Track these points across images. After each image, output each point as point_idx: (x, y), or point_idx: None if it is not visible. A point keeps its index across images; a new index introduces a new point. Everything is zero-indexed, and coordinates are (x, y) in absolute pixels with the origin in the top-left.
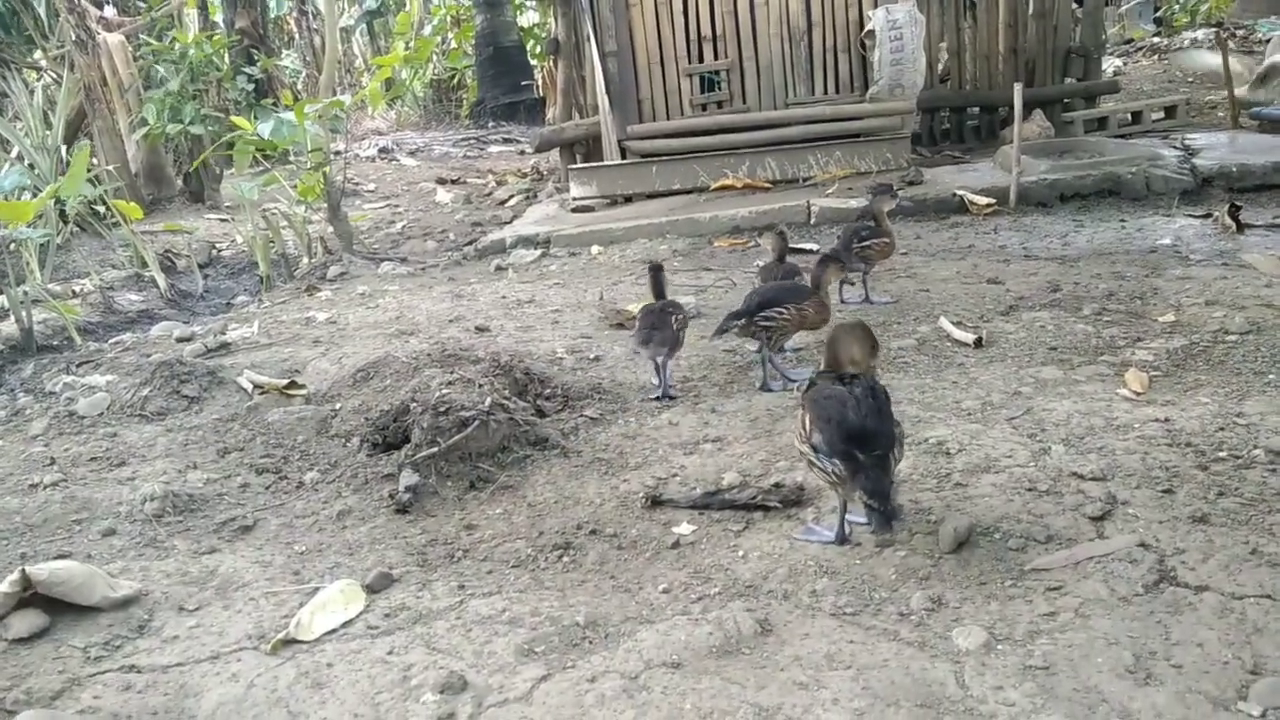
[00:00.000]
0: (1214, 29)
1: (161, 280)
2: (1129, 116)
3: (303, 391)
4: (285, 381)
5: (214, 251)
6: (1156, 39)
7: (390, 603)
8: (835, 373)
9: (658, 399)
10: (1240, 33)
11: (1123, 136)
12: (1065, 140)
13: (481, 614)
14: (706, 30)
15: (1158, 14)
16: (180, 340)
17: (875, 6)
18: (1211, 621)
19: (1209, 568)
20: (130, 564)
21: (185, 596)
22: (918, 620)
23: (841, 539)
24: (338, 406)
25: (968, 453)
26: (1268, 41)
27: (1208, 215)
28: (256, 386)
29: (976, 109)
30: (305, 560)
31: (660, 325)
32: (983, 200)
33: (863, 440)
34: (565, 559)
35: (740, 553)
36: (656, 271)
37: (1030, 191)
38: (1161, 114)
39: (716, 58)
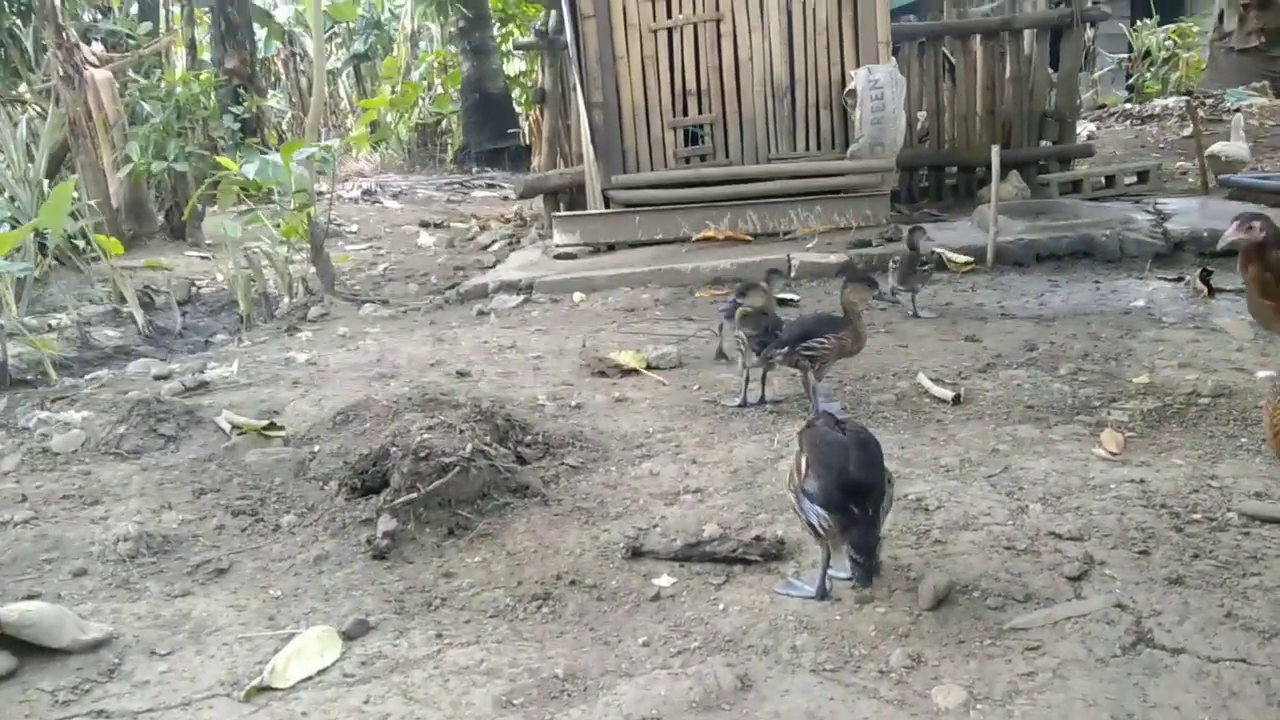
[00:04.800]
0: (1185, 97)
1: (140, 316)
2: (1103, 180)
3: (281, 433)
4: (264, 423)
5: (194, 289)
6: (1128, 105)
7: (367, 650)
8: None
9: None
10: (1210, 101)
11: (1096, 199)
12: (1041, 201)
13: (459, 664)
14: (691, 85)
15: (1130, 81)
16: (158, 378)
17: (858, 66)
18: (1188, 684)
19: (1185, 630)
20: (101, 605)
21: (157, 640)
22: (897, 678)
23: (822, 594)
24: (316, 449)
25: (946, 509)
26: (1236, 110)
27: (1180, 279)
28: (235, 427)
29: (954, 168)
30: (281, 605)
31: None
32: (961, 258)
33: (859, 493)
34: (544, 609)
35: (720, 606)
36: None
37: (1007, 251)
38: (1134, 178)
39: (701, 112)
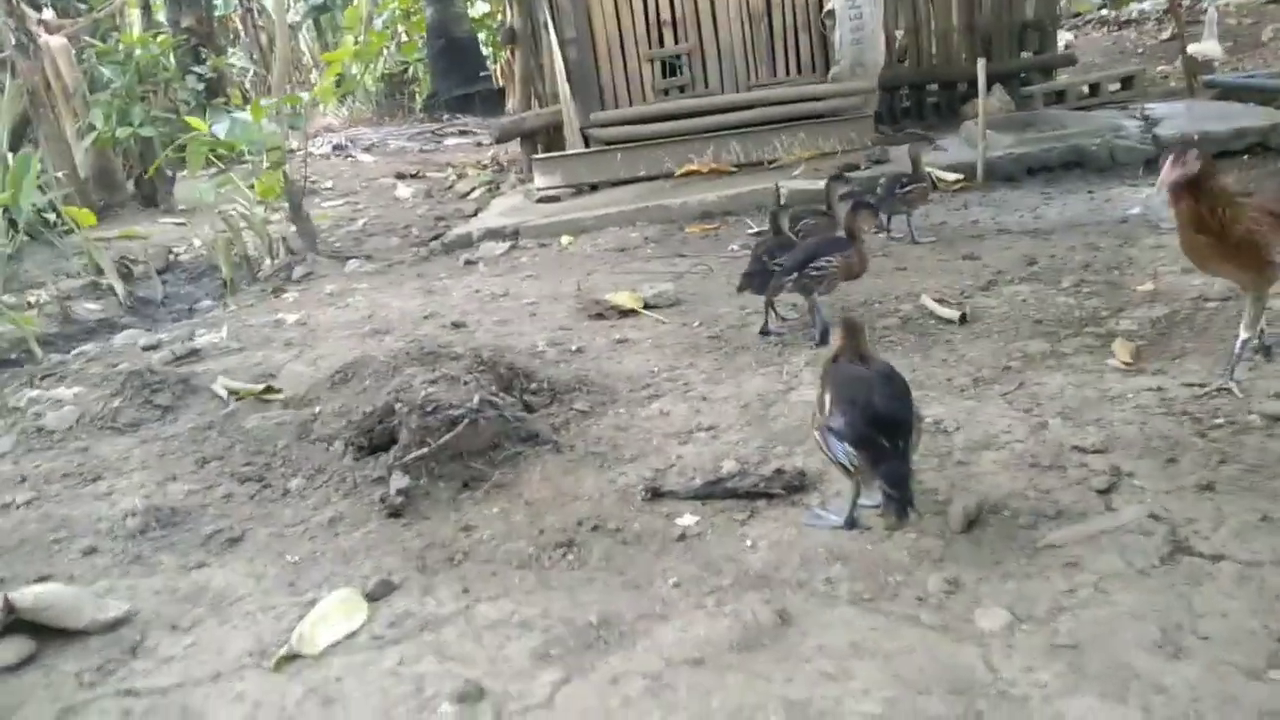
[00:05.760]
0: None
1: (120, 288)
2: (1087, 89)
3: (280, 396)
4: (261, 386)
5: (172, 256)
6: (1105, 10)
7: (394, 611)
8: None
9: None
10: (1188, 2)
11: (1082, 108)
12: (1026, 114)
13: (490, 618)
14: (666, 15)
15: None
16: (146, 349)
17: None
18: (1233, 590)
19: (1222, 536)
20: (116, 583)
21: (178, 614)
22: (937, 603)
23: (851, 524)
24: (317, 410)
25: (966, 430)
26: (1213, 8)
27: None
28: (232, 392)
29: (936, 86)
30: (299, 570)
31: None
32: (950, 176)
33: (887, 427)
34: (569, 557)
35: (748, 542)
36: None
37: (997, 166)
38: (1118, 85)
39: (677, 42)
